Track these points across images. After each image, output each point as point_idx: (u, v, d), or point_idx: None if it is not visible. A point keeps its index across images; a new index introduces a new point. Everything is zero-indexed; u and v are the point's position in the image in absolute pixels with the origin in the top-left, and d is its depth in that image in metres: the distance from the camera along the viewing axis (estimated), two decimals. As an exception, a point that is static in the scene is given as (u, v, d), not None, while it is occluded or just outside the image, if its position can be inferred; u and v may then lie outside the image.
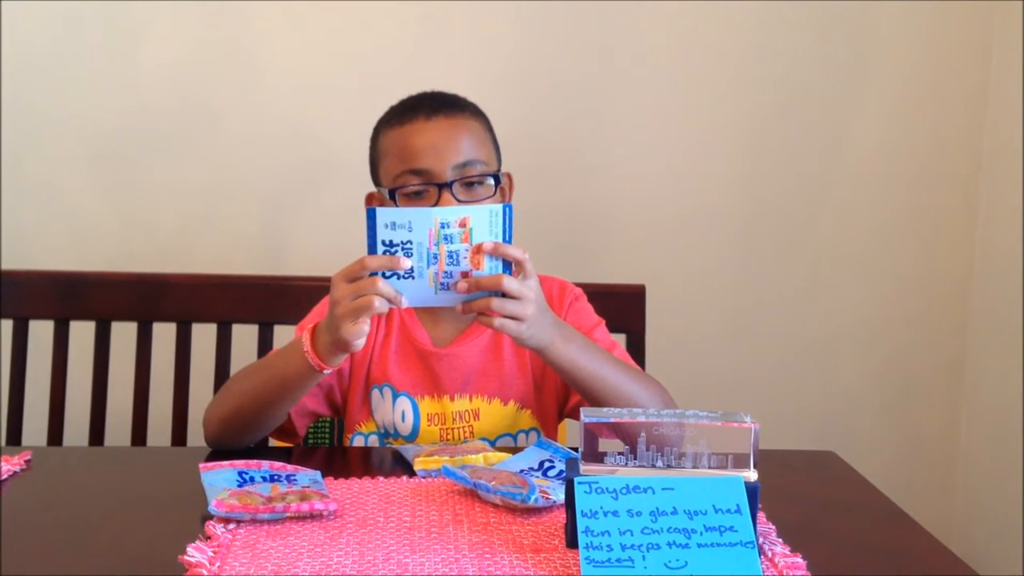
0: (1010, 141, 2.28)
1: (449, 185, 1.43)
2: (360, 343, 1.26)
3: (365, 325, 1.25)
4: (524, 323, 1.27)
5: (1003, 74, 2.32)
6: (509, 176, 1.56)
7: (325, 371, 1.33)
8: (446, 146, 1.45)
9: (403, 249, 1.24)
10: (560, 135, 2.34)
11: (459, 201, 1.43)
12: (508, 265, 1.27)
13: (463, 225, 1.24)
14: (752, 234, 2.40)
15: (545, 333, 1.31)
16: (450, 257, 1.25)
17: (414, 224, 1.24)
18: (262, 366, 1.45)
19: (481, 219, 1.25)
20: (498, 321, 1.27)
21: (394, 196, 1.45)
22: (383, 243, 1.25)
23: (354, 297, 1.24)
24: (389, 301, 1.24)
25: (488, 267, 1.26)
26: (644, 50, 2.33)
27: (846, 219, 2.41)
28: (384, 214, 1.24)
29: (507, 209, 1.26)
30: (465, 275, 1.26)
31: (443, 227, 1.24)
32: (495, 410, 1.52)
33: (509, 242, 1.27)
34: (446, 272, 1.25)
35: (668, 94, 2.36)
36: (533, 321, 1.28)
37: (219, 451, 1.41)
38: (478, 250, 1.25)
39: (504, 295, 1.26)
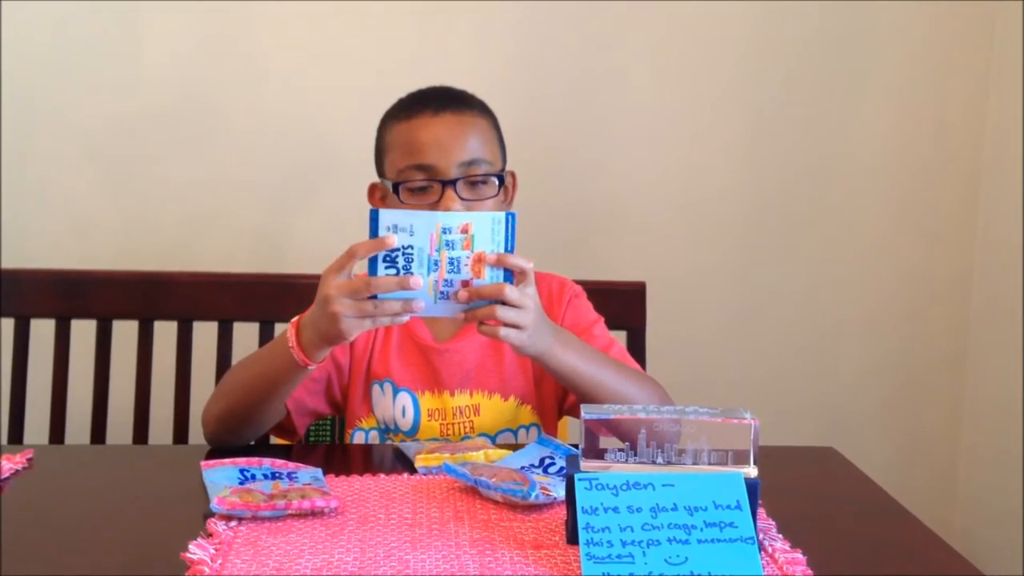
0: (1011, 137, 2.28)
1: (453, 183, 1.43)
2: (353, 336, 1.25)
3: (366, 323, 1.24)
4: (525, 332, 1.27)
5: (1004, 70, 2.32)
6: (513, 174, 1.55)
7: (310, 367, 1.32)
8: (452, 143, 1.44)
9: (404, 255, 1.23)
10: (560, 132, 2.34)
11: (462, 199, 1.43)
12: (508, 273, 1.25)
13: (465, 231, 1.23)
14: (753, 231, 2.40)
15: (544, 340, 1.31)
16: (451, 264, 1.23)
17: (416, 228, 1.22)
18: (250, 363, 1.44)
19: (483, 226, 1.23)
20: (503, 331, 1.25)
21: (397, 190, 1.45)
22: None
23: (353, 298, 1.22)
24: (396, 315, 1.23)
25: (489, 276, 1.24)
26: (646, 47, 2.33)
27: (847, 215, 2.41)
28: (387, 216, 1.22)
29: (510, 217, 1.24)
30: (465, 283, 1.24)
31: (445, 232, 1.22)
32: (495, 405, 1.52)
33: (511, 251, 1.24)
34: (446, 280, 1.24)
35: (669, 91, 2.36)
36: (533, 330, 1.27)
37: (220, 449, 1.41)
38: (480, 259, 1.23)
39: (504, 303, 1.25)
